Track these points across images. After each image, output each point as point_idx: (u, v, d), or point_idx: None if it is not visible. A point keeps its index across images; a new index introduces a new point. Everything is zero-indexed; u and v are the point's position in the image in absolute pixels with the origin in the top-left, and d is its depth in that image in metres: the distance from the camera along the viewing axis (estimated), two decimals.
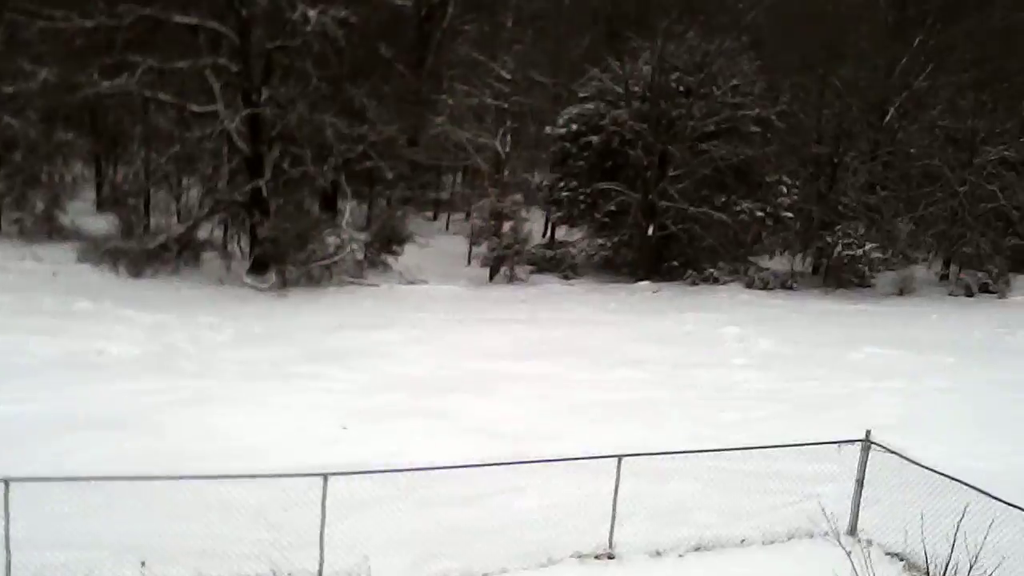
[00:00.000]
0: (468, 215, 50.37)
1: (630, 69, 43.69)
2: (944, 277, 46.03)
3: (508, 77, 41.75)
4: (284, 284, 35.81)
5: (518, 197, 42.96)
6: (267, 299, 34.35)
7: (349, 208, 39.93)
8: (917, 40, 48.16)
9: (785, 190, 43.24)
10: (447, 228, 53.28)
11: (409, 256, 40.69)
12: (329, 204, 42.83)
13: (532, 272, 42.04)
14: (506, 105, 41.62)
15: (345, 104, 35.86)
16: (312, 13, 33.91)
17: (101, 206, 47.75)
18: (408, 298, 35.65)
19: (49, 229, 43.47)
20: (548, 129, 45.70)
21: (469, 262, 44.11)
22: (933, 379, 24.44)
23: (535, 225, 47.21)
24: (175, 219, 41.02)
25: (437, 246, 44.89)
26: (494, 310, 33.96)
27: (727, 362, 26.07)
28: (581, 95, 45.13)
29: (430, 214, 55.68)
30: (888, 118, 46.63)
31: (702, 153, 41.04)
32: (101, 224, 41.86)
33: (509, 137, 41.57)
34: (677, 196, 40.86)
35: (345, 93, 35.57)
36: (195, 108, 36.88)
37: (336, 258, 36.25)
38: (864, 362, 26.76)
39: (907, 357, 27.42)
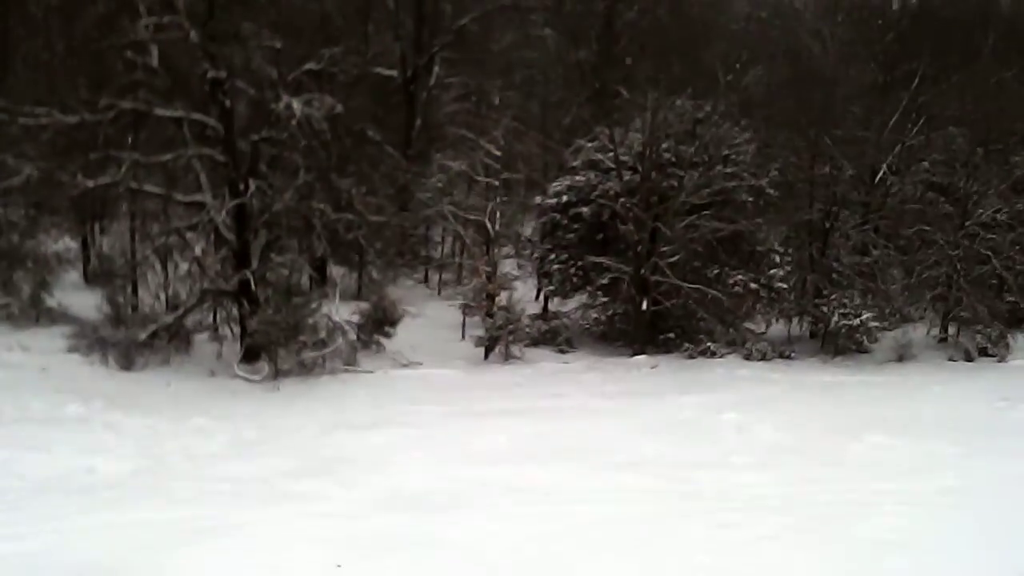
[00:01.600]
0: (459, 277, 50.09)
1: (620, 136, 43.58)
2: (943, 340, 45.69)
3: (497, 153, 41.61)
4: (276, 375, 35.39)
5: (509, 270, 42.73)
6: (260, 392, 33.91)
7: (338, 290, 39.63)
8: (907, 97, 48.36)
9: (778, 259, 43.04)
10: (439, 292, 52.79)
11: (402, 330, 40.27)
12: (319, 270, 42.69)
13: (527, 345, 41.69)
14: (496, 182, 41.49)
15: (333, 192, 35.59)
16: (297, 105, 33.72)
17: (89, 279, 47.37)
18: (402, 387, 35.19)
19: (37, 313, 43.06)
20: (538, 199, 45.59)
21: (464, 335, 43.72)
22: (938, 477, 23.98)
23: (527, 288, 46.88)
24: (164, 303, 40.67)
25: (429, 316, 44.50)
26: (491, 398, 33.50)
27: (727, 460, 25.60)
28: (572, 164, 45.06)
29: (420, 276, 55.26)
30: (880, 176, 46.62)
31: (694, 227, 40.79)
32: (90, 303, 41.42)
33: (499, 214, 41.41)
34: (669, 272, 40.56)
35: (333, 183, 35.29)
36: (181, 197, 36.62)
37: (327, 350, 35.81)
38: (866, 455, 26.32)
39: (909, 447, 26.98)
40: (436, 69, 57.87)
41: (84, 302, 41.61)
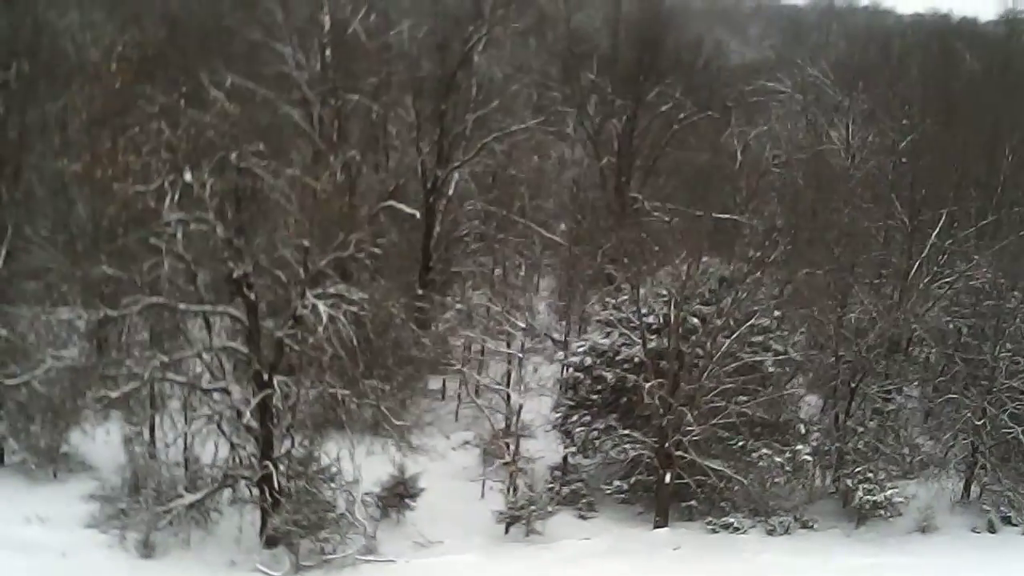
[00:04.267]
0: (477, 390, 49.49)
1: (644, 295, 43.17)
2: (965, 501, 45.33)
3: (522, 326, 41.34)
4: (297, 570, 35.14)
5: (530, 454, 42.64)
6: None
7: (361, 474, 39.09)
8: (930, 244, 48.13)
9: (803, 428, 42.68)
10: (456, 417, 52.23)
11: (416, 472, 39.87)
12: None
13: (548, 512, 41.32)
14: (520, 354, 41.24)
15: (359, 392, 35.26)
16: (323, 308, 33.35)
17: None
18: None
19: (54, 469, 42.72)
20: (560, 355, 45.32)
21: (483, 494, 43.38)
22: None
23: (543, 404, 46.39)
24: (184, 476, 40.30)
25: (446, 461, 44.02)
26: None
27: None
28: (595, 319, 44.75)
29: (437, 393, 54.86)
30: (901, 315, 46.39)
31: (720, 408, 40.39)
32: (109, 453, 41.11)
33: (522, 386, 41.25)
34: (693, 451, 40.18)
35: (359, 387, 34.93)
36: (205, 386, 36.31)
37: (349, 552, 35.53)
38: None
39: None
40: (456, 179, 57.57)
41: (105, 455, 41.28)
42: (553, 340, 56.98)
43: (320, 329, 33.25)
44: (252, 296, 34.67)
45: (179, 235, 34.24)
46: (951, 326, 49.69)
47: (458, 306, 49.62)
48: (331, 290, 34.64)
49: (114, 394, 33.50)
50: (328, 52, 51.63)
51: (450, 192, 57.42)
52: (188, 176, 33.97)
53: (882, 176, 67.14)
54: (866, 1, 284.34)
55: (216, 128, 34.34)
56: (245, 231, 34.57)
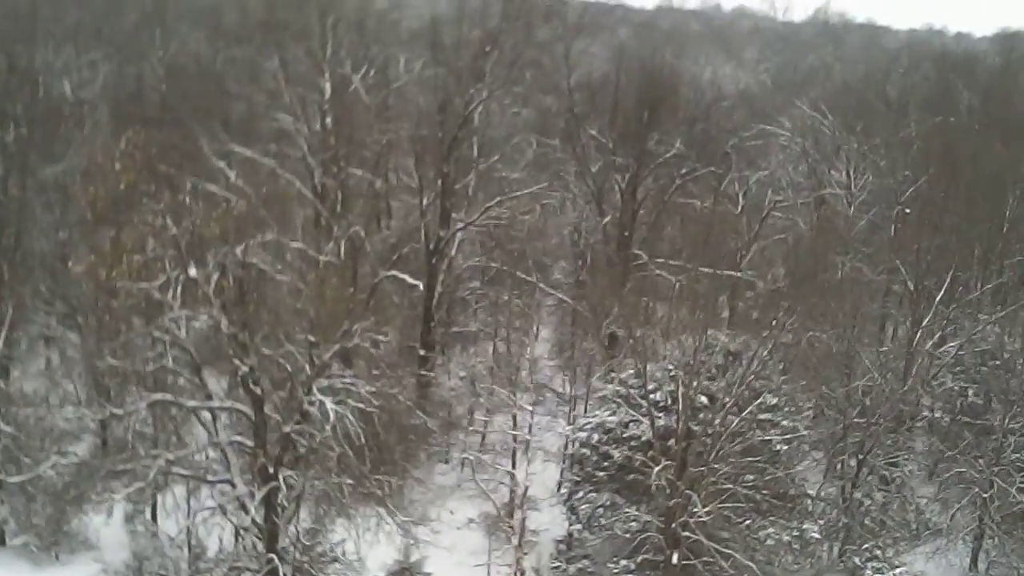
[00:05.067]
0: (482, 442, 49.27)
1: (651, 370, 42.98)
2: (974, 573, 45.14)
3: (529, 408, 41.18)
4: None
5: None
6: None
7: None
8: (934, 309, 48.08)
9: (810, 504, 42.47)
10: (458, 484, 51.86)
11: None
12: None
13: None
14: (528, 436, 41.09)
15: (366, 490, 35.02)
16: (330, 405, 33.10)
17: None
18: None
19: (56, 550, 42.50)
20: (567, 428, 45.16)
21: (489, 570, 43.16)
22: None
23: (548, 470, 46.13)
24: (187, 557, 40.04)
25: (452, 539, 43.67)
26: None
27: None
28: (601, 393, 44.57)
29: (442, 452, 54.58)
30: (907, 386, 46.34)
31: (727, 488, 40.16)
32: (111, 531, 40.85)
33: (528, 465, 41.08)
34: (700, 533, 39.90)
35: (366, 484, 34.70)
36: (209, 478, 36.07)
37: None
38: None
39: None
40: (459, 239, 57.45)
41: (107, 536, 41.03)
42: (556, 392, 57.29)
43: (327, 427, 32.97)
44: (258, 391, 34.42)
45: (184, 331, 34.03)
46: (955, 387, 49.84)
47: (461, 375, 49.52)
48: (338, 384, 34.34)
49: (118, 496, 33.22)
50: (328, 119, 51.36)
51: (452, 252, 57.23)
52: (193, 271, 33.78)
53: (884, 224, 67.38)
54: (862, 18, 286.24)
55: (220, 223, 34.03)
56: (250, 325, 34.27)
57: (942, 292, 48.45)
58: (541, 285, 59.10)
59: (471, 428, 49.20)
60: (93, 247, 36.17)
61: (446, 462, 53.30)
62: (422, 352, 55.44)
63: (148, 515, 43.35)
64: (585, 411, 48.09)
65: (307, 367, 34.14)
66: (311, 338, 34.22)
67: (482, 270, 59.23)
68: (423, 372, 50.46)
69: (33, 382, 45.85)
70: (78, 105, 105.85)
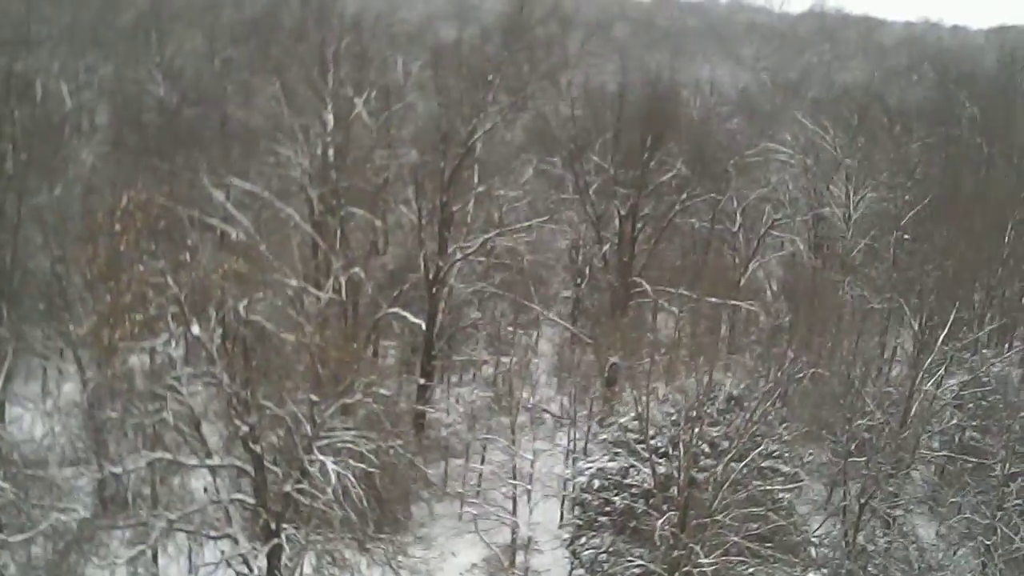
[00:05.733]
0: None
1: (652, 415, 42.77)
2: None
3: (530, 457, 41.04)
4: None
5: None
6: None
7: None
8: (936, 348, 48.05)
9: (813, 552, 42.34)
10: (460, 516, 51.71)
11: None
12: None
13: None
14: (530, 471, 41.05)
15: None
16: (331, 467, 32.91)
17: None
18: None
19: None
20: (567, 471, 45.02)
21: None
22: None
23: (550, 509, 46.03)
24: None
25: None
26: None
27: None
28: (601, 436, 44.38)
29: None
30: (909, 430, 46.30)
31: (728, 538, 40.00)
32: None
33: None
34: None
35: (369, 545, 34.54)
36: (212, 534, 35.88)
37: None
38: None
39: None
40: (456, 270, 57.20)
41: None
42: (553, 415, 57.25)
43: (328, 490, 32.80)
44: (259, 449, 34.25)
45: (186, 388, 33.85)
46: (956, 423, 49.83)
47: (460, 410, 49.39)
48: (338, 443, 34.18)
49: (120, 560, 33.03)
50: (331, 151, 51.04)
51: (451, 280, 57.01)
52: (196, 330, 33.62)
53: (883, 248, 67.22)
54: (858, 10, 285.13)
55: (222, 280, 33.83)
56: (251, 383, 34.09)
57: (945, 331, 48.24)
58: (544, 314, 58.95)
59: (470, 466, 48.96)
60: (94, 307, 35.84)
61: (441, 492, 53.24)
62: (421, 382, 55.31)
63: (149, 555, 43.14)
64: (585, 451, 47.89)
65: (308, 426, 33.93)
66: (313, 397, 34.02)
67: (481, 295, 58.95)
68: (422, 409, 50.32)
69: (30, 418, 45.59)
70: (76, 110, 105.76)
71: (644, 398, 41.88)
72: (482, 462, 50.39)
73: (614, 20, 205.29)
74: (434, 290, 56.08)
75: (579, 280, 68.35)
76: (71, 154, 71.03)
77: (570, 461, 47.39)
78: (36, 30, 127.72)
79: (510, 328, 56.09)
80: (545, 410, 57.80)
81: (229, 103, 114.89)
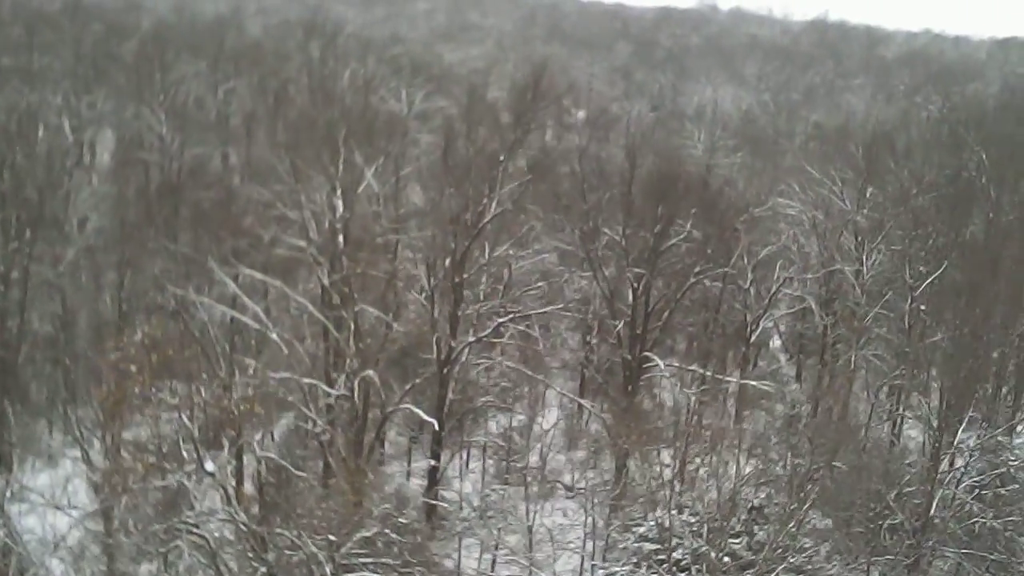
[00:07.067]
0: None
1: (671, 522, 42.19)
2: None
3: None
4: None
5: None
6: None
7: None
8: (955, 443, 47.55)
9: None
10: None
11: None
12: None
13: None
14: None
15: None
16: None
17: None
18: None
19: None
20: None
21: None
22: None
23: None
24: None
25: None
26: None
27: None
28: (621, 547, 43.84)
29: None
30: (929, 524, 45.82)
31: None
32: None
33: None
34: None
35: None
36: None
37: None
38: None
39: None
40: (467, 355, 56.54)
41: None
42: (565, 487, 56.76)
43: None
44: None
45: (201, 525, 33.22)
46: (973, 507, 49.12)
47: (475, 503, 48.87)
48: None
49: None
50: (341, 238, 50.34)
51: (463, 359, 56.35)
52: (210, 466, 33.01)
53: (898, 314, 66.54)
54: (860, 19, 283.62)
55: (237, 411, 33.20)
56: (268, 520, 33.46)
57: (963, 426, 47.69)
58: (557, 389, 58.53)
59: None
60: (107, 448, 35.14)
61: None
62: (432, 463, 54.70)
63: None
64: (604, 557, 47.24)
65: (327, 566, 33.26)
66: (331, 537, 33.35)
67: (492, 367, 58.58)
68: (429, 500, 49.88)
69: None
70: (78, 146, 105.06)
71: (667, 512, 41.35)
72: (496, 547, 49.93)
73: (616, 39, 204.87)
74: (445, 370, 55.43)
75: (589, 355, 67.63)
76: (74, 207, 70.41)
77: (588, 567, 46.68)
78: (39, 59, 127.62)
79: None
80: (558, 481, 57.48)
81: (231, 144, 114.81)
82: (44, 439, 51.18)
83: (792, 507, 40.18)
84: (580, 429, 63.50)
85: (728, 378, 57.03)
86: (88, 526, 38.88)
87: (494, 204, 53.66)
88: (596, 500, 48.02)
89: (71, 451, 50.23)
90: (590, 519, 47.97)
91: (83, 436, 43.98)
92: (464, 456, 58.83)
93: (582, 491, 54.10)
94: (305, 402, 46.09)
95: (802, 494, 40.67)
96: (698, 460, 47.23)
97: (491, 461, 59.16)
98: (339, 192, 50.69)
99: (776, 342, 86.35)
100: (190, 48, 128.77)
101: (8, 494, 41.30)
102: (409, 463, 57.87)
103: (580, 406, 64.37)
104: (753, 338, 73.10)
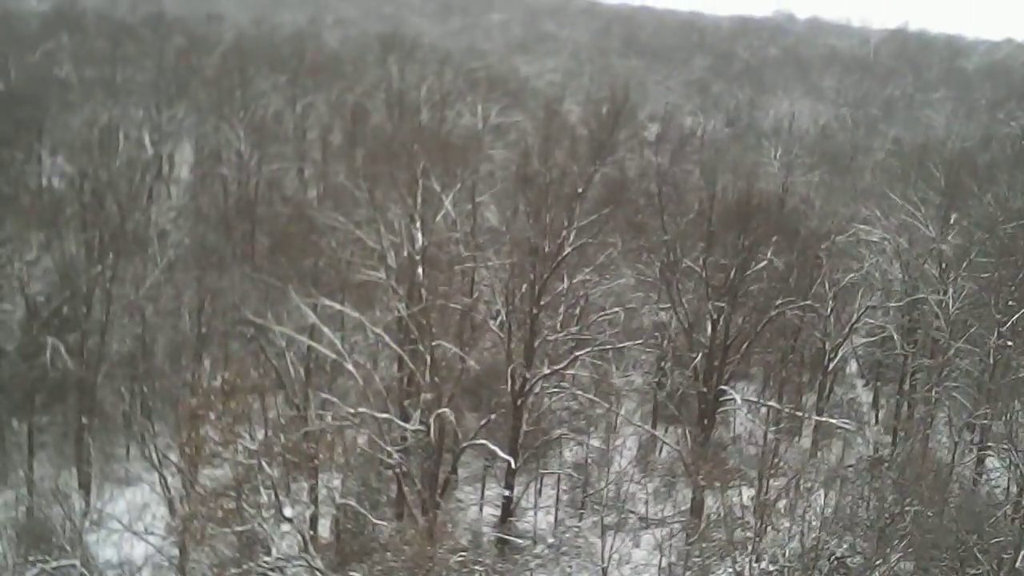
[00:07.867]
0: None
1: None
2: None
3: None
4: None
5: None
6: None
7: None
8: None
9: None
10: None
11: None
12: None
13: None
14: None
15: None
16: None
17: None
18: None
19: None
20: None
21: None
22: None
23: None
24: None
25: None
26: None
27: None
28: None
29: None
30: None
31: None
32: None
33: None
34: None
35: None
36: None
37: None
38: None
39: None
40: (541, 386, 56.12)
41: None
42: (636, 515, 56.07)
43: None
44: None
45: (278, 570, 33.18)
46: None
47: (550, 541, 48.45)
48: None
49: None
50: (420, 270, 50.17)
51: (537, 390, 55.96)
52: (289, 512, 32.95)
53: (983, 349, 64.74)
54: (938, 30, 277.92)
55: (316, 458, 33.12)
56: (346, 566, 33.35)
57: None
58: (630, 419, 57.91)
59: None
60: (187, 491, 35.20)
61: None
62: (507, 493, 54.40)
63: None
64: None
65: None
66: None
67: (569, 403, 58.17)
68: (504, 535, 49.51)
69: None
70: (157, 159, 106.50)
71: (747, 559, 40.58)
72: None
73: (693, 51, 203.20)
74: (519, 402, 55.06)
75: (663, 379, 66.74)
76: (155, 223, 71.13)
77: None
78: (122, 71, 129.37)
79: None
80: (632, 512, 56.79)
81: (307, 159, 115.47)
82: (122, 461, 51.64)
83: (877, 562, 39.11)
84: (653, 458, 62.83)
85: (806, 415, 55.81)
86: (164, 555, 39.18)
87: (572, 235, 53.09)
88: (672, 536, 47.34)
89: (148, 475, 50.80)
90: (665, 560, 47.18)
91: (160, 463, 44.53)
92: (538, 485, 58.30)
93: (655, 520, 53.68)
94: (380, 434, 46.01)
95: (888, 549, 39.50)
96: (775, 499, 46.22)
97: (565, 487, 58.63)
98: (418, 224, 50.55)
99: (853, 366, 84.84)
100: (269, 62, 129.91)
101: (87, 523, 41.61)
102: (483, 491, 57.50)
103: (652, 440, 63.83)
104: (831, 367, 71.91)
